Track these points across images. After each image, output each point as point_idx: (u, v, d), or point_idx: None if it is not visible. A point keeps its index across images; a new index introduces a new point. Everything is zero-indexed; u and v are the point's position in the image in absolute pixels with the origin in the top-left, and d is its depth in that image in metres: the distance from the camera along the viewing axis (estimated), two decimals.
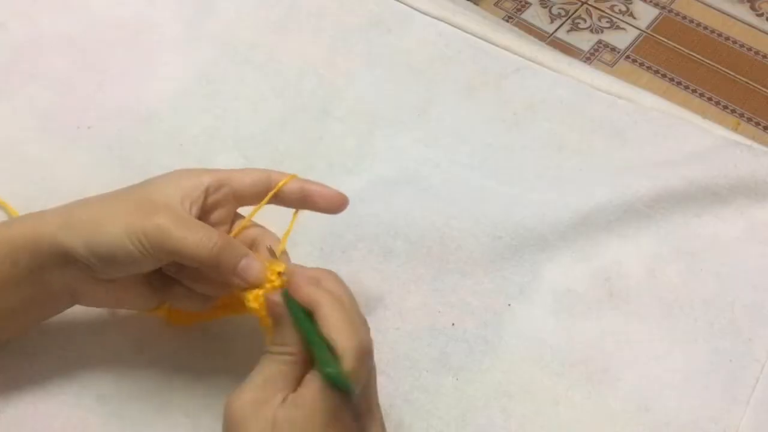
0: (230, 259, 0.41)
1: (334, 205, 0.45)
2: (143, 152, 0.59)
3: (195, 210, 0.43)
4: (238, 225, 0.45)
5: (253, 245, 0.45)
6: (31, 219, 0.43)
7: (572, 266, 0.54)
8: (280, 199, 0.45)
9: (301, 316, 0.39)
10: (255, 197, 0.45)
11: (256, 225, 0.46)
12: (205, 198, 0.43)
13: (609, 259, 0.55)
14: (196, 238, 0.40)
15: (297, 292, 0.40)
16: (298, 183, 0.45)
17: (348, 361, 0.37)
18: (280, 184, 0.44)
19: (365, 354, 0.38)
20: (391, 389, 0.48)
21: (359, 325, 0.39)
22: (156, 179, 0.44)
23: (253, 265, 0.41)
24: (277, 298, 0.40)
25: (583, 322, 0.52)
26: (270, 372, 0.39)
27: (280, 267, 0.42)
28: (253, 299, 0.41)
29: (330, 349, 0.38)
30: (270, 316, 0.41)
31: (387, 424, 0.45)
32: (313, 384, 0.38)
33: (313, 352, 0.38)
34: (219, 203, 0.44)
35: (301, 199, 0.45)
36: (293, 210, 0.46)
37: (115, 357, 0.48)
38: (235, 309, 0.47)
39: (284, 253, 0.44)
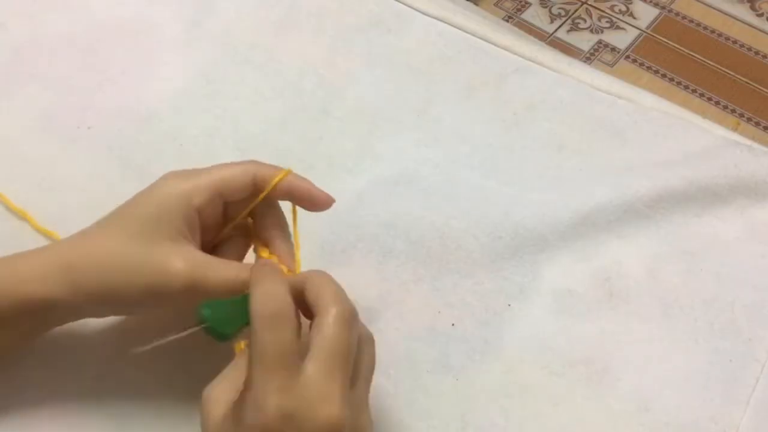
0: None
1: (320, 204, 0.45)
2: (143, 152, 0.59)
3: (198, 237, 0.43)
4: (234, 221, 0.45)
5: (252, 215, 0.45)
6: (32, 275, 0.41)
7: (572, 266, 0.54)
8: (268, 194, 0.45)
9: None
10: (243, 189, 0.44)
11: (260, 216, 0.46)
12: (201, 219, 0.43)
13: (609, 259, 0.55)
14: (228, 282, 0.41)
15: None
16: (287, 182, 0.44)
17: (326, 324, 0.37)
18: (272, 184, 0.44)
19: (351, 319, 0.38)
20: (391, 389, 0.48)
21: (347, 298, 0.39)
22: (146, 203, 0.42)
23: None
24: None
25: (583, 323, 0.52)
26: (241, 364, 0.39)
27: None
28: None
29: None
30: None
31: (387, 424, 0.45)
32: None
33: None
34: (210, 211, 0.44)
35: (288, 196, 0.45)
36: (291, 207, 0.46)
37: (115, 358, 0.48)
38: None
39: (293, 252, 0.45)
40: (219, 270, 0.41)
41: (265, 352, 0.36)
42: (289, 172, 0.45)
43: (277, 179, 0.44)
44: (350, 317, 0.38)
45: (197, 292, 0.40)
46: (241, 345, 0.41)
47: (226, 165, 0.44)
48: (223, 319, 0.38)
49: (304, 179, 0.45)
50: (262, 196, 0.44)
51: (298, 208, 0.46)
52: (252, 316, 0.37)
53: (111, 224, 0.43)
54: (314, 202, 0.45)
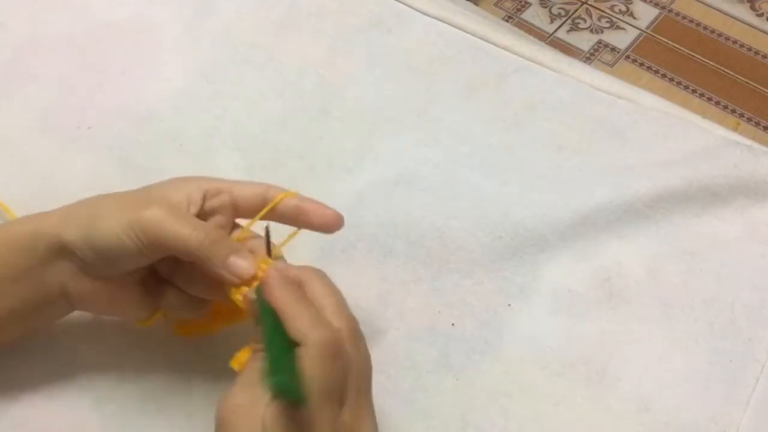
0: (221, 251, 0.41)
1: (329, 224, 0.45)
2: (143, 152, 0.59)
3: (193, 210, 0.43)
4: (237, 234, 0.45)
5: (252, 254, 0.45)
6: (32, 217, 0.44)
7: (572, 266, 0.54)
8: (276, 214, 0.45)
9: (267, 316, 0.39)
10: (252, 209, 0.45)
11: (255, 236, 0.46)
12: (203, 201, 0.44)
13: (609, 259, 0.55)
14: (189, 230, 0.41)
15: (267, 290, 0.40)
16: (294, 200, 0.45)
17: (308, 359, 0.37)
18: (277, 199, 0.44)
19: (333, 349, 0.38)
20: (391, 389, 0.48)
21: (329, 323, 0.39)
22: (156, 183, 0.45)
23: (243, 259, 0.42)
24: (252, 295, 0.41)
25: (583, 323, 0.52)
26: (255, 369, 0.39)
27: (267, 262, 0.42)
28: (237, 293, 0.42)
29: (291, 352, 0.37)
30: (252, 314, 0.41)
31: (387, 424, 0.45)
32: None
33: (267, 353, 0.38)
34: (217, 210, 0.44)
35: (296, 216, 0.45)
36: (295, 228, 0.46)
37: (114, 359, 0.48)
38: (237, 316, 0.47)
39: (281, 257, 0.44)
40: (187, 216, 0.42)
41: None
42: (295, 194, 0.45)
43: (283, 195, 0.44)
44: (330, 349, 0.38)
45: (159, 233, 0.41)
46: (240, 359, 0.41)
47: (241, 180, 0.46)
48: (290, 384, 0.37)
49: (313, 199, 0.45)
50: (267, 209, 0.44)
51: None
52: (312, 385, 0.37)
53: (128, 193, 0.45)
54: (326, 218, 0.45)
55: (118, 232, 0.41)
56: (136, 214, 0.41)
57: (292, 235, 0.45)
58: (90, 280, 0.43)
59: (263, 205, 0.44)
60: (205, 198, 0.44)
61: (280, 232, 0.45)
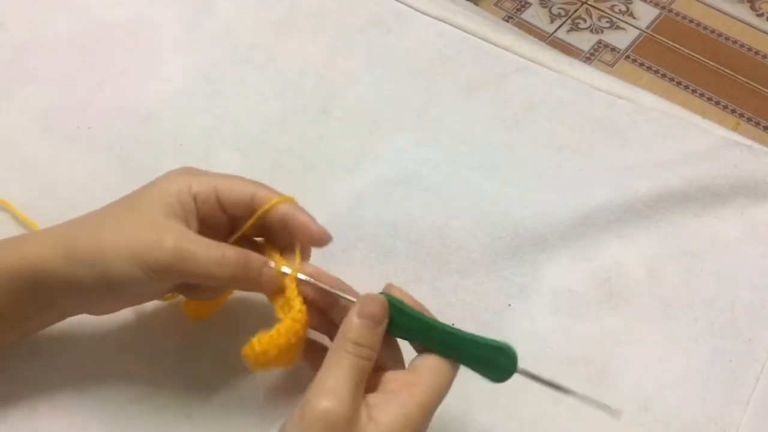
0: (252, 272, 0.41)
1: (314, 241, 0.43)
2: (143, 152, 0.59)
3: (194, 224, 0.42)
4: (238, 232, 0.44)
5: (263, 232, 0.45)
6: (30, 245, 0.42)
7: (572, 266, 0.54)
8: (263, 220, 0.43)
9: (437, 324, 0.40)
10: (240, 209, 0.43)
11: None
12: (197, 207, 0.43)
13: (609, 259, 0.55)
14: (215, 259, 0.40)
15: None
16: (282, 210, 0.43)
17: None
18: (262, 210, 0.42)
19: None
20: None
21: None
22: (148, 190, 0.43)
23: (271, 273, 0.41)
24: (377, 299, 0.39)
25: (583, 322, 0.52)
26: (357, 374, 0.38)
27: (291, 268, 0.42)
28: (286, 305, 0.42)
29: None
30: (361, 317, 0.39)
31: None
32: (416, 386, 0.38)
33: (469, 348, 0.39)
34: (211, 211, 0.44)
35: (282, 227, 0.43)
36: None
37: (115, 358, 0.48)
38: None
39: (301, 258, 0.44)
40: (207, 245, 0.41)
41: None
42: (291, 199, 0.43)
43: (275, 201, 0.42)
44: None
45: (183, 265, 0.40)
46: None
47: (234, 175, 0.44)
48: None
49: (304, 211, 0.43)
50: (257, 215, 0.43)
51: (291, 193, 0.44)
52: None
53: (112, 205, 0.44)
54: (310, 235, 0.43)
55: (134, 271, 0.39)
56: (151, 252, 0.39)
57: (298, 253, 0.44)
58: (100, 301, 0.43)
59: (250, 205, 0.43)
60: (197, 203, 0.43)
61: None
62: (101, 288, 0.41)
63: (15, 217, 0.54)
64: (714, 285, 0.54)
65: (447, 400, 0.49)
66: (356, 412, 0.36)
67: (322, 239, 0.43)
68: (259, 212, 0.42)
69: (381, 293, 0.40)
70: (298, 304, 0.41)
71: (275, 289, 0.42)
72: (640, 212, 0.56)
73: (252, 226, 0.44)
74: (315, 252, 0.53)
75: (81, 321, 0.47)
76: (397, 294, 0.41)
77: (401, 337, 0.41)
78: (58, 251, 0.41)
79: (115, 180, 0.57)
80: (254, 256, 0.42)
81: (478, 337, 0.40)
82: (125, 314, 0.49)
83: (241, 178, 0.44)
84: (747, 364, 0.51)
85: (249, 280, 0.41)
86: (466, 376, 0.49)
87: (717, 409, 0.49)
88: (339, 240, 0.54)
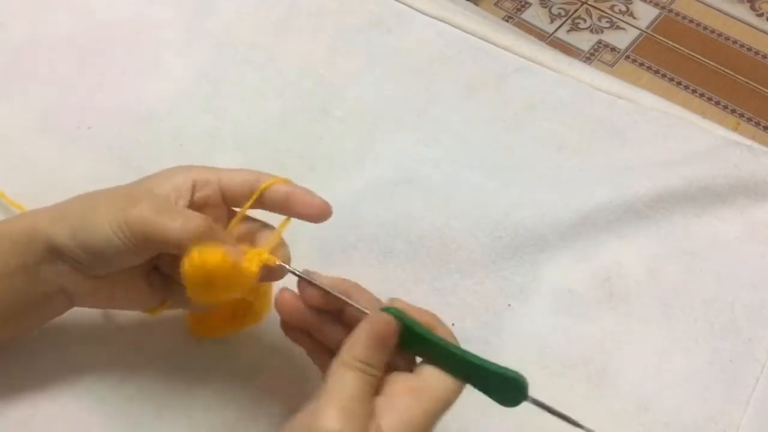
0: (216, 232, 0.41)
1: (315, 213, 0.43)
2: (143, 152, 0.59)
3: (182, 203, 0.42)
4: (233, 220, 0.45)
5: (251, 239, 0.45)
6: (31, 213, 0.44)
7: (572, 266, 0.54)
8: (265, 202, 0.44)
9: (441, 341, 0.39)
10: (243, 197, 0.44)
11: (252, 220, 0.45)
12: (193, 193, 0.43)
13: (609, 259, 0.55)
14: (177, 223, 0.40)
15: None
16: (284, 188, 0.43)
17: None
18: (264, 185, 0.43)
19: None
20: None
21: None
22: (148, 176, 0.44)
23: (390, 320, 0.40)
24: (387, 321, 0.39)
25: (583, 322, 0.52)
26: (365, 390, 0.37)
27: (263, 255, 0.41)
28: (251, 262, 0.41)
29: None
30: (368, 336, 0.38)
31: None
32: (418, 402, 0.37)
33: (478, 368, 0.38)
34: (207, 199, 0.44)
35: (284, 205, 0.43)
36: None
37: (115, 358, 0.48)
38: (254, 318, 0.47)
39: (284, 245, 0.44)
40: (175, 210, 0.41)
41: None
42: (287, 180, 0.44)
43: (272, 181, 0.43)
44: None
45: (149, 227, 0.40)
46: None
47: (233, 168, 0.45)
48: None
49: (304, 187, 0.44)
50: (255, 196, 0.43)
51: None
52: None
53: (114, 190, 0.44)
54: (312, 207, 0.43)
55: (107, 231, 0.40)
56: (123, 211, 0.40)
57: (283, 224, 0.44)
58: (86, 279, 0.43)
59: (252, 194, 0.43)
60: (194, 189, 0.43)
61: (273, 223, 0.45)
62: (79, 252, 0.41)
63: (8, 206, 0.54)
64: (714, 285, 0.54)
65: None
66: (360, 425, 0.36)
67: (324, 211, 0.43)
68: (262, 188, 0.43)
69: (387, 309, 0.40)
70: (265, 253, 0.41)
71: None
72: (640, 212, 0.56)
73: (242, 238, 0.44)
74: (315, 252, 0.54)
75: (81, 321, 0.47)
76: (400, 306, 0.40)
77: (407, 352, 0.40)
78: (52, 211, 0.43)
79: (115, 180, 0.57)
80: (217, 229, 0.42)
81: (488, 363, 0.39)
82: (125, 314, 0.49)
83: (238, 168, 0.45)
84: (747, 364, 0.51)
85: (214, 239, 0.41)
86: None
87: (717, 409, 0.49)
88: (339, 240, 0.54)
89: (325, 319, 0.42)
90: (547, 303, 0.53)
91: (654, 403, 0.49)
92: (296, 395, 0.47)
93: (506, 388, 0.39)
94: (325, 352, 0.42)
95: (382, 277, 0.53)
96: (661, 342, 0.51)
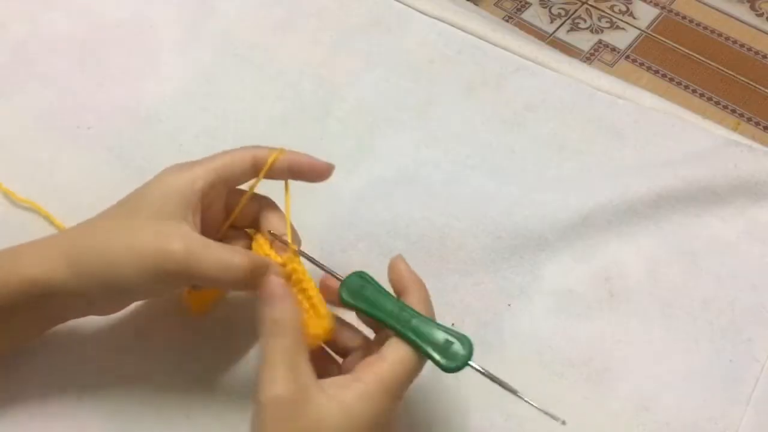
0: (258, 278, 0.41)
1: (322, 172, 0.45)
2: (143, 152, 0.59)
3: (197, 219, 0.43)
4: (238, 206, 0.46)
5: (254, 223, 0.46)
6: (30, 259, 0.41)
7: (572, 266, 0.54)
8: (269, 173, 0.45)
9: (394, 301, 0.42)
10: (245, 175, 0.45)
11: (253, 198, 0.46)
12: (202, 202, 0.43)
13: (609, 259, 0.55)
14: (223, 264, 0.40)
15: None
16: (287, 158, 0.45)
17: None
18: (270, 161, 0.44)
19: None
20: None
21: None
22: (149, 191, 0.43)
23: (275, 280, 0.41)
24: (271, 280, 0.41)
25: (583, 323, 0.52)
26: (286, 355, 0.38)
27: (293, 261, 0.43)
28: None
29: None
30: (262, 301, 0.40)
31: None
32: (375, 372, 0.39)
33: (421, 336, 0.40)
34: (213, 199, 0.45)
35: (289, 173, 0.45)
36: (284, 183, 0.46)
37: (114, 359, 0.48)
38: None
39: (293, 230, 0.45)
40: (216, 250, 0.41)
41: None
42: (283, 150, 0.45)
43: (274, 156, 0.44)
44: None
45: (192, 272, 0.40)
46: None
47: (225, 151, 0.45)
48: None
49: (300, 153, 0.45)
50: (261, 175, 0.44)
51: (291, 190, 0.46)
52: None
53: (113, 210, 0.43)
54: (315, 170, 0.45)
55: (143, 279, 0.40)
56: (159, 258, 0.39)
57: (287, 200, 0.46)
58: (103, 310, 0.44)
59: (253, 169, 0.44)
60: (203, 197, 0.43)
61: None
62: (109, 297, 0.41)
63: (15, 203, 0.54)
64: (714, 285, 0.54)
65: (446, 401, 0.49)
66: (303, 393, 0.37)
67: (329, 168, 0.45)
68: (270, 162, 0.44)
69: (357, 272, 0.43)
70: (320, 305, 0.42)
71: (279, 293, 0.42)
72: (640, 212, 0.56)
73: (243, 217, 0.46)
74: (315, 252, 0.53)
75: (81, 321, 0.47)
76: (396, 262, 0.44)
77: (366, 314, 0.42)
78: (62, 264, 0.40)
79: (115, 180, 0.57)
80: (259, 261, 0.42)
81: (441, 326, 0.41)
82: (125, 314, 0.49)
83: (234, 149, 0.45)
84: (747, 364, 0.51)
85: (255, 285, 0.41)
86: (466, 376, 0.49)
87: (717, 409, 0.49)
88: (339, 240, 0.54)
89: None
90: (547, 303, 0.53)
91: (654, 403, 0.49)
92: None
93: (451, 349, 0.40)
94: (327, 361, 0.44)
95: (382, 277, 0.53)
96: (661, 342, 0.51)
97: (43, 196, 0.55)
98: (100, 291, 0.40)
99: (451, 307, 0.52)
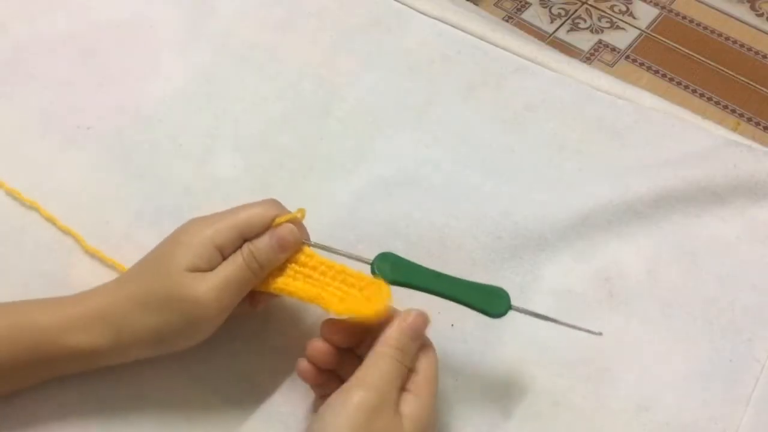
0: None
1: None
2: (143, 152, 0.59)
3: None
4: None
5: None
6: (81, 333, 0.44)
7: (572, 266, 0.54)
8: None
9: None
10: (262, 233, 0.46)
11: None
12: (221, 253, 0.45)
13: (609, 259, 0.55)
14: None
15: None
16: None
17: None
18: (281, 222, 0.46)
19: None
20: None
21: None
22: (173, 249, 0.45)
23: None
24: (418, 314, 0.45)
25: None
26: (394, 374, 0.41)
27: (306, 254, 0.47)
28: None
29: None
30: (403, 328, 0.43)
31: None
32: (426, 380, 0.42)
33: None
34: (230, 248, 0.46)
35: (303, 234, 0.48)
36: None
37: None
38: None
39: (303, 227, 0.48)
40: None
41: None
42: (302, 211, 0.47)
43: (286, 218, 0.46)
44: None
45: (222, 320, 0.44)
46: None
47: (247, 206, 0.46)
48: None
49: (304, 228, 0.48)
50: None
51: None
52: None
53: (141, 269, 0.45)
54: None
55: (181, 334, 0.44)
56: (193, 311, 0.43)
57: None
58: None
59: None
60: (221, 251, 0.45)
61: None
62: (150, 352, 0.45)
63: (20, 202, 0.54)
64: (714, 285, 0.54)
65: (447, 401, 0.49)
66: (389, 405, 0.40)
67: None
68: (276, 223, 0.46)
69: (383, 253, 0.46)
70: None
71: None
72: (640, 212, 0.56)
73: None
74: (315, 251, 0.53)
75: None
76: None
77: (407, 286, 0.46)
78: (109, 336, 0.43)
79: (115, 180, 0.57)
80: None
81: (473, 283, 0.46)
82: None
83: (253, 207, 0.46)
84: (747, 364, 0.51)
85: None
86: (466, 376, 0.49)
87: (717, 409, 0.49)
88: (339, 240, 0.54)
89: (345, 355, 0.45)
90: (547, 303, 0.53)
91: (654, 403, 0.49)
92: (298, 395, 0.48)
93: (493, 301, 0.45)
94: (335, 382, 0.44)
95: None
96: (661, 342, 0.51)
97: (43, 197, 0.55)
98: (144, 351, 0.44)
99: (450, 308, 0.52)
